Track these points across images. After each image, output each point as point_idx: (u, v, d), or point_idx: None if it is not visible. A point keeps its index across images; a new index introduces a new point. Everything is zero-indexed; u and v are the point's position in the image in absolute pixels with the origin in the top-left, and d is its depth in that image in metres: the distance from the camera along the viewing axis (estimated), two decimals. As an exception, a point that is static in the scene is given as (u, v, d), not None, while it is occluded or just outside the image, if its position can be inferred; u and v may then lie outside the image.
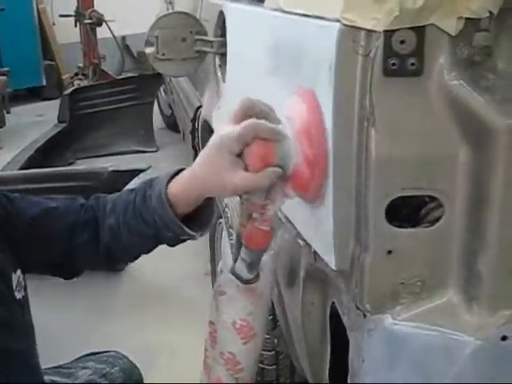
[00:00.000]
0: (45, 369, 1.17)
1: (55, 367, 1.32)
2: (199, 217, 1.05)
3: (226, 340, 1.09)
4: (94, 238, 1.10)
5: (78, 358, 1.42)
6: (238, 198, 1.05)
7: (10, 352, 1.03)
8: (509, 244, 0.90)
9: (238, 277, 1.06)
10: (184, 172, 1.03)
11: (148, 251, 1.12)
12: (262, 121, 0.94)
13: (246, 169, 0.94)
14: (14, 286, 1.04)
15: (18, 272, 1.07)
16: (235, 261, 1.07)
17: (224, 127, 0.96)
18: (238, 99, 1.02)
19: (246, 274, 1.05)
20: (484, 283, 0.91)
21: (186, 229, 1.02)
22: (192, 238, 1.05)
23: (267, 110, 0.96)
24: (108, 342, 2.13)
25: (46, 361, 1.16)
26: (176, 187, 1.01)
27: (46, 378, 1.19)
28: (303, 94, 1.01)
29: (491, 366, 0.93)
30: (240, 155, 0.94)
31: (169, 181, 1.02)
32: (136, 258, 1.16)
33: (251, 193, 0.98)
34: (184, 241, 1.07)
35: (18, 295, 1.05)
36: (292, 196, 1.00)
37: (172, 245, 1.09)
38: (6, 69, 5.82)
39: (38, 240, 1.10)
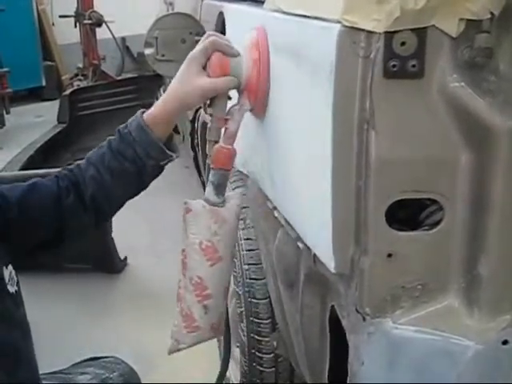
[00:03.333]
0: (42, 374, 1.17)
1: (53, 372, 1.31)
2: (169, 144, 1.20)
3: (194, 263, 1.16)
4: (79, 197, 1.16)
5: (77, 364, 1.41)
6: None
7: (5, 345, 1.03)
8: (510, 247, 0.89)
9: (205, 200, 1.17)
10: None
11: (133, 193, 1.22)
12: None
13: (209, 77, 1.15)
14: (7, 280, 1.04)
15: (10, 267, 1.07)
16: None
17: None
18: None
19: (212, 197, 1.17)
20: (485, 287, 0.90)
21: (166, 150, 1.17)
22: (171, 159, 1.19)
23: (226, 38, 1.19)
24: (105, 344, 2.12)
25: (40, 361, 1.15)
26: (151, 111, 1.17)
27: (45, 382, 1.18)
28: (256, 29, 1.23)
29: (492, 370, 0.92)
30: (205, 68, 1.15)
31: (142, 113, 1.17)
32: (122, 203, 1.23)
33: (214, 105, 1.17)
34: (162, 170, 1.20)
35: (11, 289, 1.05)
36: (247, 106, 1.20)
37: (152, 177, 1.20)
38: (5, 69, 5.82)
39: (29, 218, 1.13)
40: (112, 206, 1.22)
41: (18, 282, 1.09)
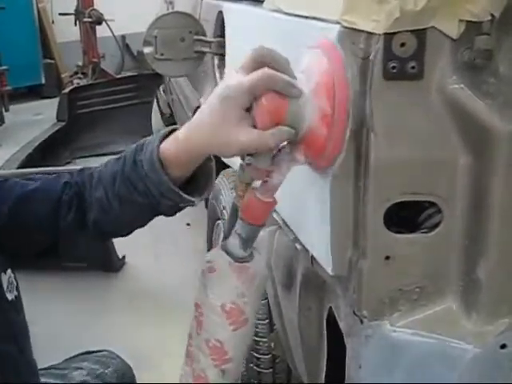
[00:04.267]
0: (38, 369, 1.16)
1: (47, 368, 1.30)
2: (197, 179, 0.95)
3: (213, 325, 0.96)
4: (80, 215, 1.01)
5: (71, 358, 1.40)
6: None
7: (4, 354, 1.01)
8: (508, 250, 0.89)
9: (230, 253, 0.94)
10: (181, 129, 0.91)
11: (144, 223, 1.02)
12: (277, 72, 0.82)
13: (254, 126, 0.84)
14: (5, 287, 1.02)
15: (9, 272, 1.03)
16: (227, 236, 0.97)
17: (232, 76, 0.85)
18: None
19: (239, 251, 0.94)
20: (483, 290, 0.90)
21: (185, 195, 0.92)
22: (191, 204, 0.95)
23: (283, 61, 0.84)
24: (102, 342, 2.11)
25: (37, 359, 1.14)
26: (170, 147, 0.90)
27: (42, 380, 1.17)
28: (323, 45, 0.92)
29: (490, 374, 0.92)
30: (248, 110, 0.84)
31: (161, 141, 0.91)
32: (131, 230, 1.05)
33: (256, 155, 0.86)
34: (182, 208, 0.97)
35: (10, 296, 1.03)
36: (302, 162, 0.90)
37: (170, 214, 0.98)
38: (4, 67, 5.81)
39: (20, 229, 1.03)
40: (120, 230, 1.05)
41: (17, 286, 1.07)
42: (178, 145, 0.90)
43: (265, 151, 0.86)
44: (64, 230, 1.03)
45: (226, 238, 0.98)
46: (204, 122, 0.87)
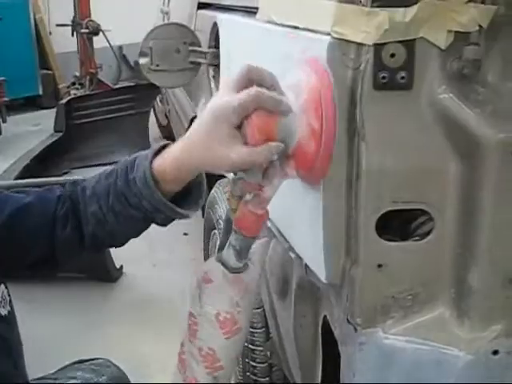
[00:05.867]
0: (30, 380, 1.15)
1: (39, 378, 1.28)
2: (190, 193, 0.97)
3: (207, 334, 0.98)
4: (77, 229, 1.02)
5: (65, 367, 1.39)
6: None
7: None
8: (499, 258, 0.89)
9: (225, 265, 0.96)
10: (173, 146, 0.93)
11: (140, 233, 1.04)
12: (265, 90, 0.84)
13: (245, 143, 0.85)
14: None
15: (2, 287, 1.03)
16: (222, 247, 0.98)
17: (222, 94, 0.86)
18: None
19: (234, 263, 0.96)
20: (475, 297, 0.91)
21: (178, 209, 0.95)
22: (185, 217, 0.97)
23: (271, 78, 0.86)
24: (98, 352, 2.11)
25: (31, 370, 1.14)
26: (163, 164, 0.92)
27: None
28: (311, 61, 0.94)
29: (482, 380, 0.92)
30: (239, 127, 0.85)
31: (153, 158, 0.93)
32: (127, 240, 1.07)
33: (248, 171, 0.88)
34: (175, 219, 0.99)
35: (3, 311, 1.02)
36: (293, 176, 0.93)
37: (163, 224, 1.00)
38: (1, 78, 5.82)
39: (17, 241, 1.02)
40: (117, 241, 1.07)
41: (10, 301, 1.06)
42: (170, 163, 0.91)
43: (255, 168, 0.87)
44: (61, 244, 1.03)
45: (220, 249, 0.99)
46: (196, 141, 0.88)
